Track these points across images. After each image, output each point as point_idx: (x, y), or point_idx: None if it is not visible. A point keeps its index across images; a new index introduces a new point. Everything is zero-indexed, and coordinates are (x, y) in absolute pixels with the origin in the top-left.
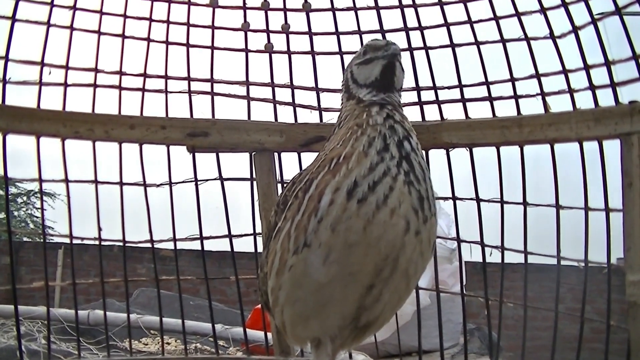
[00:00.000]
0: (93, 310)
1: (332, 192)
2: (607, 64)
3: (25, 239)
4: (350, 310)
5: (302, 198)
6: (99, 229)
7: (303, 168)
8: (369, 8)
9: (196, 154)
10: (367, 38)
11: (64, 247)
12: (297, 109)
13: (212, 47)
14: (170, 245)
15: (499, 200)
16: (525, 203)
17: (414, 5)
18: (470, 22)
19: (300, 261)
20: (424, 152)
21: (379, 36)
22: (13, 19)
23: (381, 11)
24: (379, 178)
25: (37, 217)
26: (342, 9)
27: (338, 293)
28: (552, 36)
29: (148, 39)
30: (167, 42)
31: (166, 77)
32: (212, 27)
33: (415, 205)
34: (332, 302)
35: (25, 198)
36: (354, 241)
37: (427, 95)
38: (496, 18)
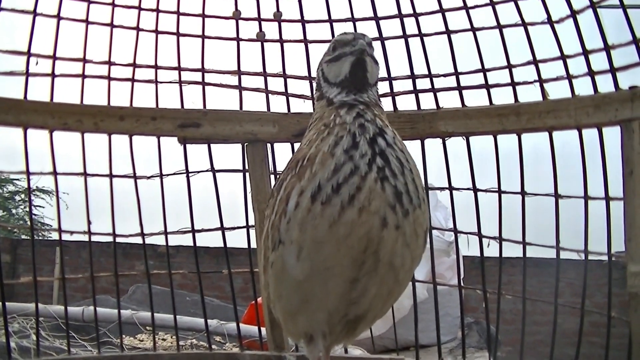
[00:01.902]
0: (87, 306)
1: (297, 195)
2: (607, 48)
3: (23, 236)
4: (336, 306)
5: (276, 198)
6: (89, 223)
7: None
8: None
9: (187, 146)
10: (360, 25)
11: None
12: (290, 98)
13: (203, 36)
14: (162, 239)
15: (497, 190)
16: (523, 192)
17: None
18: (466, 7)
19: (278, 258)
20: (419, 141)
21: (374, 23)
22: None
23: None
24: (345, 179)
25: (35, 215)
26: None
27: (319, 289)
28: (549, 21)
29: (137, 28)
30: (156, 31)
31: (156, 67)
32: (203, 16)
33: (391, 201)
34: (315, 298)
35: (23, 196)
36: (322, 239)
37: (423, 84)
38: (493, 3)
